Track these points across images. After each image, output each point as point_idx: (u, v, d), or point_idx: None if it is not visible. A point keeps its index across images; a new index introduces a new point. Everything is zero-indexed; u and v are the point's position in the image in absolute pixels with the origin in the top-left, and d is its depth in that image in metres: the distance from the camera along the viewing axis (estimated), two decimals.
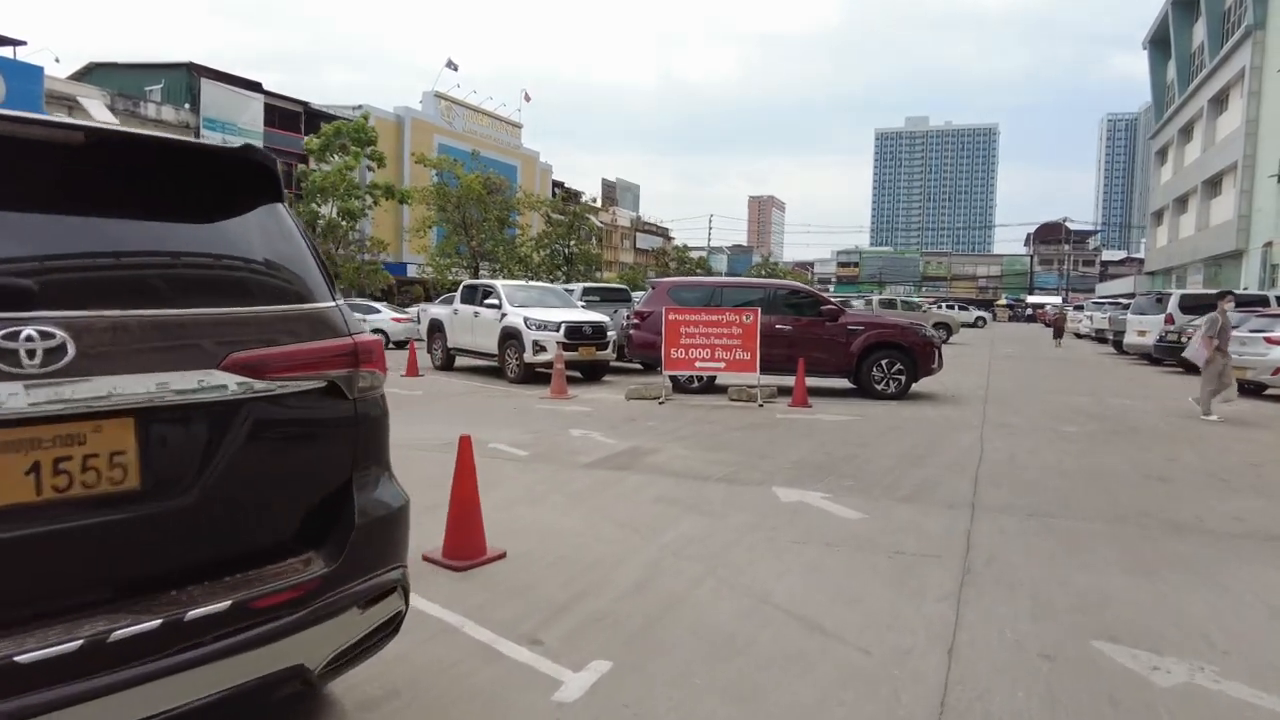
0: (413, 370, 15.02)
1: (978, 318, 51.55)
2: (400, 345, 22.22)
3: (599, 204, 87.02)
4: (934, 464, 7.17)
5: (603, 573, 4.22)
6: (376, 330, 23.15)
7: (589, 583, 4.07)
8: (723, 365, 11.47)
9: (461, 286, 15.85)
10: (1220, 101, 41.28)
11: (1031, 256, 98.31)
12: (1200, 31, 44.92)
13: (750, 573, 4.24)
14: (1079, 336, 34.72)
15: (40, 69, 35.77)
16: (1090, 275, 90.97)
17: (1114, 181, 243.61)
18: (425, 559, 4.37)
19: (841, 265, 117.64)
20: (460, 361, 16.09)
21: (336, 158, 28.80)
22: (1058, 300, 68.53)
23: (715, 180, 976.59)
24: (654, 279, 15.59)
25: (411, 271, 45.28)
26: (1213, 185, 41.75)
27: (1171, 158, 50.57)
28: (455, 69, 59.59)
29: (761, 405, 11.07)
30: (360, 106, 53.29)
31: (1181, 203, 47.26)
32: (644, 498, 5.81)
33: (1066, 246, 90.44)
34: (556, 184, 73.21)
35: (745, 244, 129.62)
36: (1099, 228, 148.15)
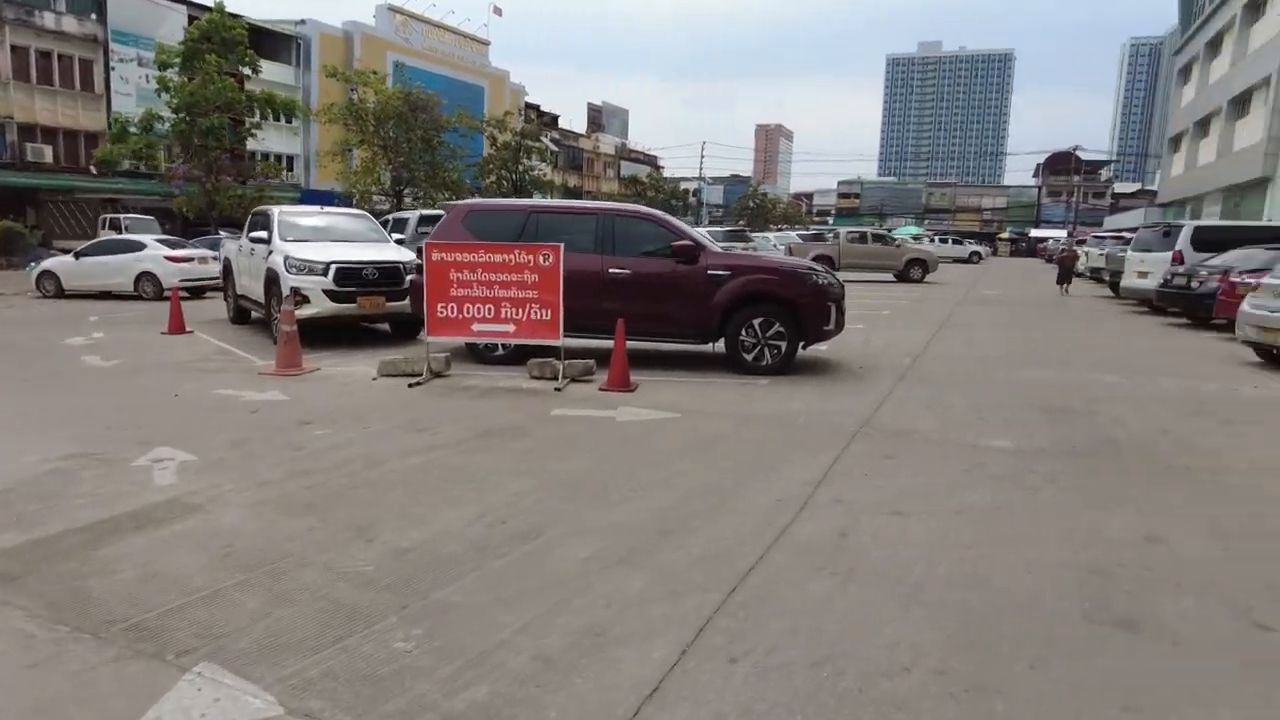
0: (176, 326, 11.41)
1: (973, 253, 47.42)
2: (197, 294, 16.73)
3: (584, 130, 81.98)
4: (670, 560, 3.62)
5: None
6: (143, 274, 17.22)
7: None
8: (511, 328, 7.84)
9: (250, 214, 12.11)
10: (1256, 7, 36.24)
11: (1039, 188, 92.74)
12: None
13: None
14: (1077, 276, 30.60)
15: None
16: (1101, 208, 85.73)
17: (1132, 111, 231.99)
18: None
19: (842, 196, 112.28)
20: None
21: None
22: (1063, 234, 63.87)
23: (724, 108, 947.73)
24: (450, 203, 11.72)
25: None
26: (1239, 104, 37.01)
27: (1195, 75, 45.47)
28: None
29: (560, 389, 7.50)
30: (304, 21, 48.59)
31: (1203, 126, 42.49)
32: None
33: (1076, 177, 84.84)
34: (531, 106, 68.08)
35: (744, 174, 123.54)
36: (1113, 158, 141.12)
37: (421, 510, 4.21)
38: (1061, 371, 9.11)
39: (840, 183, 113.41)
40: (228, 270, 12.64)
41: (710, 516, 4.15)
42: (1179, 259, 15.76)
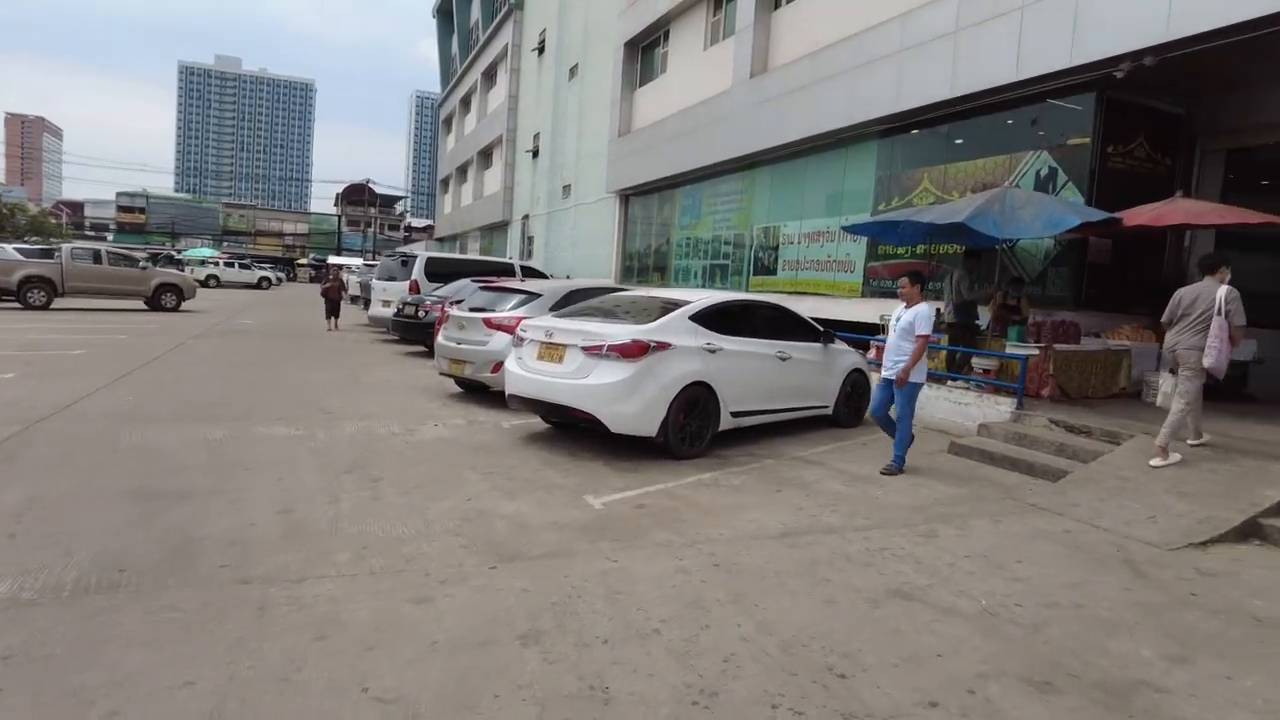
0: None
1: (262, 278, 44.90)
2: None
3: None
4: None
5: None
6: None
7: None
8: None
9: None
10: (491, 76, 42.41)
11: (340, 216, 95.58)
12: (477, 7, 45.89)
13: None
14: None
15: None
16: (397, 239, 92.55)
17: (422, 153, 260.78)
18: None
19: (123, 209, 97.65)
20: None
21: None
22: (353, 262, 66.26)
23: None
24: None
25: None
26: (485, 156, 42.98)
27: (455, 127, 51.62)
28: None
29: None
30: None
31: (462, 172, 48.35)
32: None
33: (373, 209, 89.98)
34: None
35: None
36: (406, 194, 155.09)
37: None
38: (233, 426, 7.46)
39: (120, 194, 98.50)
40: None
41: None
42: (415, 288, 16.18)
